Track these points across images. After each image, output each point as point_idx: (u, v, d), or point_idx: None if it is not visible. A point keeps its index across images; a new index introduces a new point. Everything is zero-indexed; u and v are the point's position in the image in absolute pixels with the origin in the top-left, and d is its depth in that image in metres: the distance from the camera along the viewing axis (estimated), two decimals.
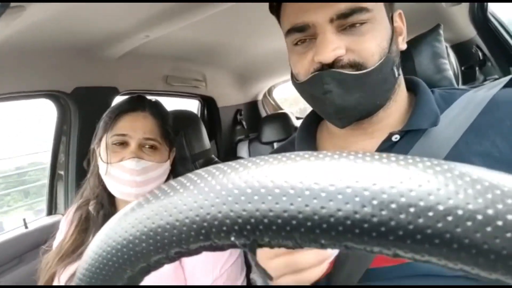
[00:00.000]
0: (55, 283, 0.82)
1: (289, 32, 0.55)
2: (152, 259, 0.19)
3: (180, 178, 0.19)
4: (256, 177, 0.16)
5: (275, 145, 2.12)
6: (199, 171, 0.19)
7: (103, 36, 1.12)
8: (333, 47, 0.51)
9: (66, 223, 0.92)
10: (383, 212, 0.14)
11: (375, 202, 0.14)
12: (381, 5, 0.53)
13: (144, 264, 0.19)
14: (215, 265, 0.80)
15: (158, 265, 0.19)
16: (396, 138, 0.55)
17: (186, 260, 0.80)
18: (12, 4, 0.67)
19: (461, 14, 1.57)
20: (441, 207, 0.14)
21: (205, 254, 0.19)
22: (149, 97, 0.93)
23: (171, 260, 0.19)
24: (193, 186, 0.18)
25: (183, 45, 1.47)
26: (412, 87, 0.62)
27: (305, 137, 0.67)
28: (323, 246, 0.16)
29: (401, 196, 0.14)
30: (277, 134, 2.13)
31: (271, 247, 0.17)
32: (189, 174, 0.19)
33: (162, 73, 1.64)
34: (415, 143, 0.55)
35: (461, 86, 0.63)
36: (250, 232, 0.16)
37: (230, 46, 1.63)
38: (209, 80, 1.93)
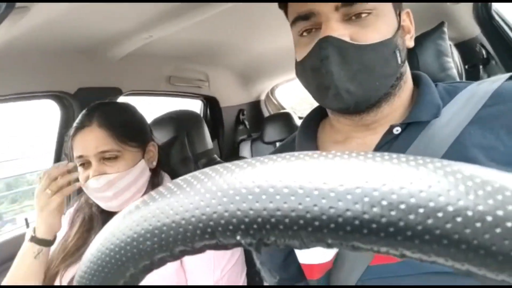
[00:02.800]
0: (56, 284, 0.82)
1: (294, 21, 0.55)
2: (156, 256, 0.19)
3: (187, 177, 0.19)
4: (264, 176, 0.16)
5: (278, 144, 2.12)
6: (206, 169, 0.19)
7: (106, 36, 1.12)
8: (338, 34, 0.50)
9: (66, 223, 0.92)
10: (392, 213, 0.14)
11: (384, 202, 0.14)
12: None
13: (147, 262, 0.19)
14: (216, 267, 0.79)
15: (161, 263, 0.19)
16: (397, 130, 0.55)
17: (187, 262, 0.80)
18: (17, 5, 0.67)
19: (464, 12, 1.56)
20: (450, 208, 0.14)
21: (206, 256, 0.18)
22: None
23: (175, 258, 0.19)
24: (200, 184, 0.18)
25: (186, 45, 1.47)
26: (415, 81, 0.61)
27: (306, 134, 0.66)
28: (329, 246, 0.16)
29: (411, 197, 0.14)
30: (280, 134, 2.12)
31: (277, 246, 0.17)
32: (196, 173, 0.19)
33: (165, 73, 1.64)
34: (417, 136, 0.54)
35: (465, 81, 0.62)
36: (257, 231, 0.16)
37: (232, 46, 1.63)
38: (211, 80, 1.93)
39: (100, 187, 0.80)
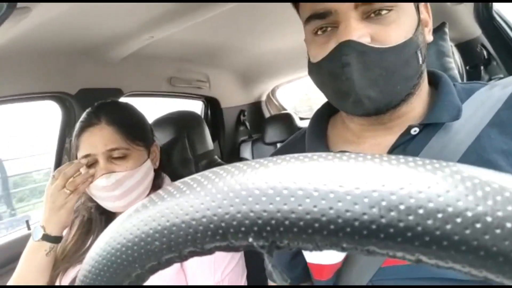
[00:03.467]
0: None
1: (308, 19, 0.51)
2: (163, 257, 0.18)
3: (197, 176, 0.19)
4: (278, 178, 0.16)
5: (279, 145, 2.12)
6: (216, 169, 0.19)
7: (108, 37, 1.12)
8: (358, 34, 0.47)
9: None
10: (410, 217, 0.14)
11: (402, 207, 0.14)
12: None
13: (154, 263, 0.19)
14: (216, 269, 0.79)
15: (168, 264, 0.19)
16: (415, 131, 0.53)
17: (187, 264, 0.80)
18: (18, 5, 0.67)
19: (465, 13, 1.56)
20: (469, 214, 0.13)
21: (207, 258, 0.18)
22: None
23: (182, 259, 0.19)
24: (211, 184, 0.18)
25: (187, 46, 1.48)
26: (433, 80, 0.59)
27: (315, 131, 0.63)
28: (344, 250, 0.16)
29: (429, 201, 0.14)
30: (281, 135, 2.12)
31: (290, 249, 0.17)
32: (206, 172, 0.19)
33: (166, 74, 1.64)
34: (433, 136, 0.52)
35: (481, 82, 0.61)
36: (270, 234, 0.16)
37: (233, 47, 1.63)
38: (212, 81, 1.94)
39: (109, 186, 0.79)
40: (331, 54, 0.50)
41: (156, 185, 0.90)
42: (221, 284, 0.79)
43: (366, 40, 0.48)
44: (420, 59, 0.51)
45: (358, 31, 0.47)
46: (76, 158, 0.84)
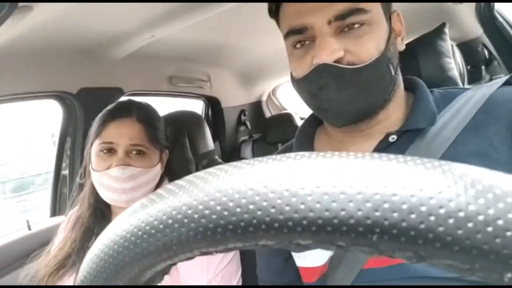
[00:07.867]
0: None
1: (287, 35, 0.56)
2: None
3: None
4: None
5: (279, 145, 2.12)
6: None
7: (109, 36, 1.13)
8: (332, 49, 0.51)
9: (63, 230, 0.92)
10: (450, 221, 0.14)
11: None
12: (378, 5, 0.54)
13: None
14: (209, 266, 0.80)
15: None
16: (393, 138, 0.55)
17: (181, 262, 0.79)
18: (20, 4, 0.67)
19: (467, 12, 1.56)
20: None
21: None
22: (139, 99, 0.94)
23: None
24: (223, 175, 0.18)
25: (188, 46, 1.48)
26: (410, 87, 0.61)
27: (302, 141, 0.66)
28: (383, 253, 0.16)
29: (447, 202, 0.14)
30: (281, 135, 2.12)
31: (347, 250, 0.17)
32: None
33: (166, 74, 1.64)
34: (412, 143, 0.54)
35: (465, 86, 0.62)
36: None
37: (234, 46, 1.63)
38: (213, 81, 1.94)
39: (123, 177, 0.80)
40: (308, 76, 0.54)
41: (157, 188, 0.90)
42: (213, 280, 0.79)
43: (339, 54, 0.51)
44: (393, 71, 0.54)
45: (332, 46, 0.51)
46: (91, 145, 0.85)
